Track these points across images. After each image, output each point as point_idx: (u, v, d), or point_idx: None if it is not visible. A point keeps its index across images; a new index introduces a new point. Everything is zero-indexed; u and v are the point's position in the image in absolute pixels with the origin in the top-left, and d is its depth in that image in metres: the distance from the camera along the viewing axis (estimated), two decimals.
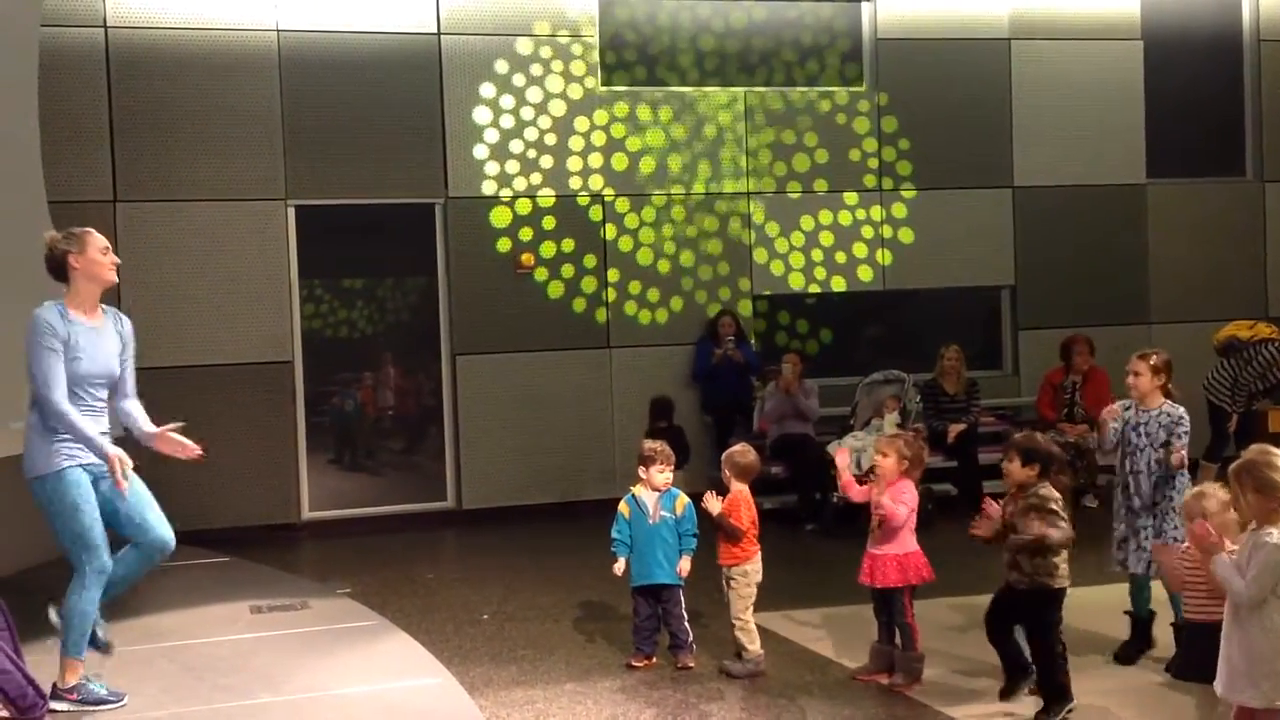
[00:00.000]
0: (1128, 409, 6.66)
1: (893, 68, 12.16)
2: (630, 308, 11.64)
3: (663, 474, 6.71)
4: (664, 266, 11.70)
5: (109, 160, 10.43)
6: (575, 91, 11.51)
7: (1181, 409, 6.59)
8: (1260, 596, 4.40)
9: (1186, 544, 5.14)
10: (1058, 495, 5.70)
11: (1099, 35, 12.50)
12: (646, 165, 11.66)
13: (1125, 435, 6.60)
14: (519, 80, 11.36)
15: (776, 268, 11.97)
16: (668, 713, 6.01)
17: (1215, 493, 5.03)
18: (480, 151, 11.26)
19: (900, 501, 6.20)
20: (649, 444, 6.84)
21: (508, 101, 11.33)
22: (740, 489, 6.61)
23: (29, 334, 5.78)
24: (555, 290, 11.43)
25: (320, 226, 10.99)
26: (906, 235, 12.18)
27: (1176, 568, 5.25)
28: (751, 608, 6.54)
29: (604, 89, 11.61)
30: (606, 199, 11.57)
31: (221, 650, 7.01)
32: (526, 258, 11.31)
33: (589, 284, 11.52)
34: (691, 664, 6.58)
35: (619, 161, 11.60)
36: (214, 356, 10.65)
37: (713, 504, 6.52)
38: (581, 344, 11.52)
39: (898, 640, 6.28)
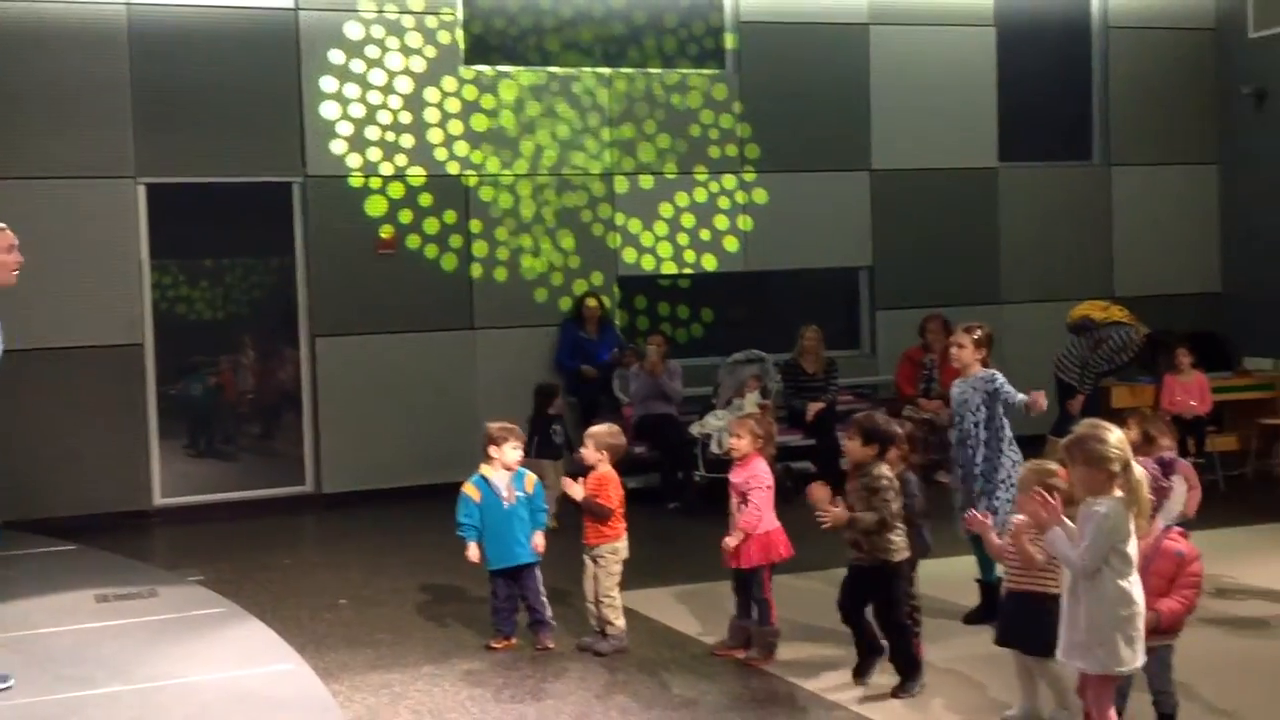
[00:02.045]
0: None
1: (754, 51, 12.25)
2: (493, 288, 11.57)
3: (515, 451, 6.69)
4: (527, 246, 11.65)
5: None
6: (438, 70, 11.37)
7: (992, 371, 6.92)
8: (1094, 566, 4.50)
9: (1017, 518, 5.19)
10: (889, 475, 5.73)
11: (954, 22, 12.75)
12: (509, 145, 11.59)
13: (955, 409, 6.94)
14: (379, 58, 11.19)
15: (638, 250, 11.99)
16: (525, 693, 6.01)
17: (1054, 467, 5.09)
18: (340, 129, 11.05)
19: (757, 481, 6.25)
20: (498, 424, 6.81)
21: (369, 79, 11.15)
22: (608, 469, 6.59)
23: None
24: (417, 270, 11.30)
25: (172, 205, 10.69)
26: (766, 217, 12.29)
27: (993, 539, 5.34)
28: (618, 585, 6.55)
29: (467, 67, 11.49)
30: (468, 179, 11.47)
31: (65, 640, 6.81)
32: (386, 231, 11.13)
33: (451, 263, 11.40)
34: (551, 644, 6.58)
35: (481, 141, 11.51)
36: (62, 339, 10.30)
37: (575, 490, 6.49)
38: (445, 325, 11.42)
39: (754, 615, 6.34)
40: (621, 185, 11.92)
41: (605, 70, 11.89)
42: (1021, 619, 5.18)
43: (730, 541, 6.26)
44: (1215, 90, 13.49)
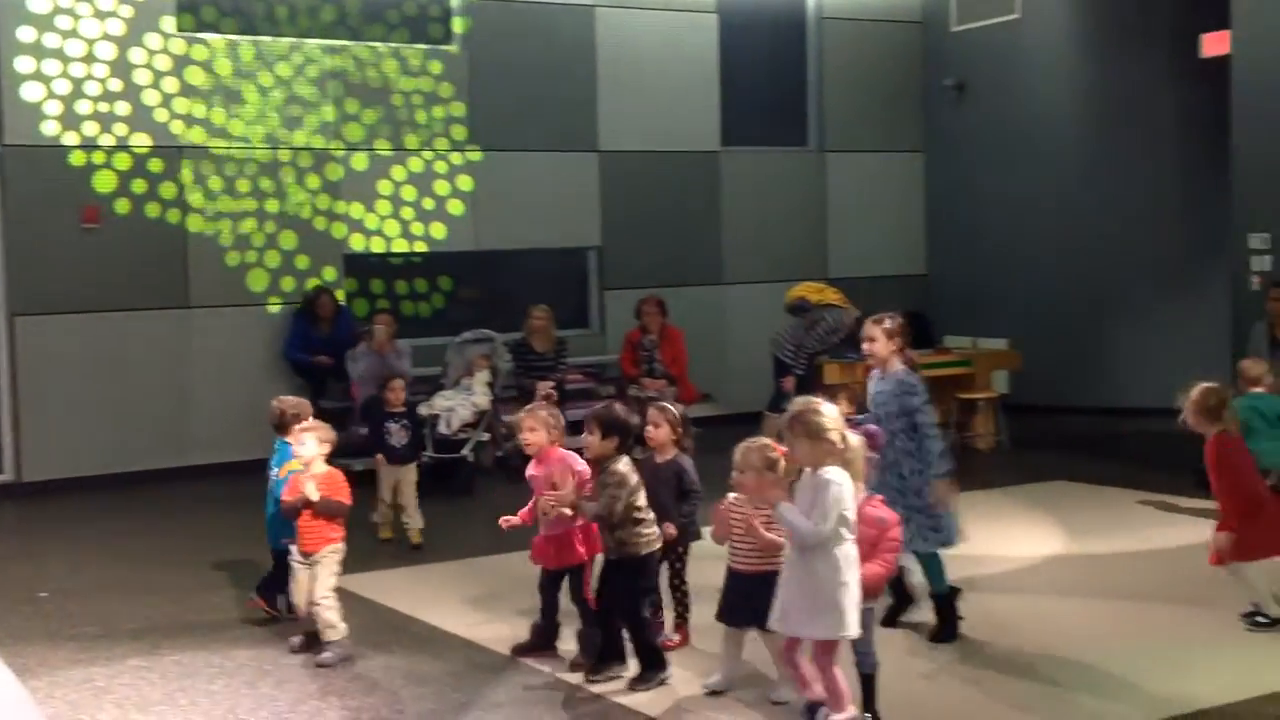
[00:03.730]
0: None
1: (482, 30, 12.19)
2: (212, 265, 11.14)
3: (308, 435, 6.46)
4: (248, 225, 11.27)
5: None
6: (151, 39, 10.85)
7: (913, 378, 6.22)
8: (830, 533, 4.66)
9: (734, 496, 5.29)
10: (623, 472, 5.53)
11: (677, 7, 13.00)
12: (228, 117, 11.17)
13: (874, 409, 6.30)
14: (88, 25, 10.59)
15: (362, 229, 11.77)
16: (242, 682, 5.82)
17: (768, 446, 5.16)
18: (42, 98, 10.43)
19: (574, 470, 5.92)
20: (289, 401, 6.67)
21: (75, 47, 10.55)
22: (327, 467, 6.22)
23: None
24: (130, 246, 10.77)
25: None
26: (495, 197, 12.26)
27: (724, 519, 5.34)
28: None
29: (183, 35, 11.01)
30: (185, 152, 11.01)
31: None
32: (92, 204, 10.58)
33: (168, 240, 10.93)
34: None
35: (199, 113, 11.06)
36: None
37: (311, 490, 6.06)
38: (159, 304, 10.94)
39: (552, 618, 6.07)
40: (347, 162, 11.67)
41: (328, 42, 11.60)
42: (757, 598, 5.19)
43: (554, 516, 5.84)
44: (921, 81, 14.23)
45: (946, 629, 6.11)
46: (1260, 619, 6.10)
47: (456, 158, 12.12)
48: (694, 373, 11.66)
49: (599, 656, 5.68)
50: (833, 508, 4.64)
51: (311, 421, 6.36)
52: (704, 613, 5.69)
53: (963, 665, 5.73)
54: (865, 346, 6.38)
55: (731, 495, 5.31)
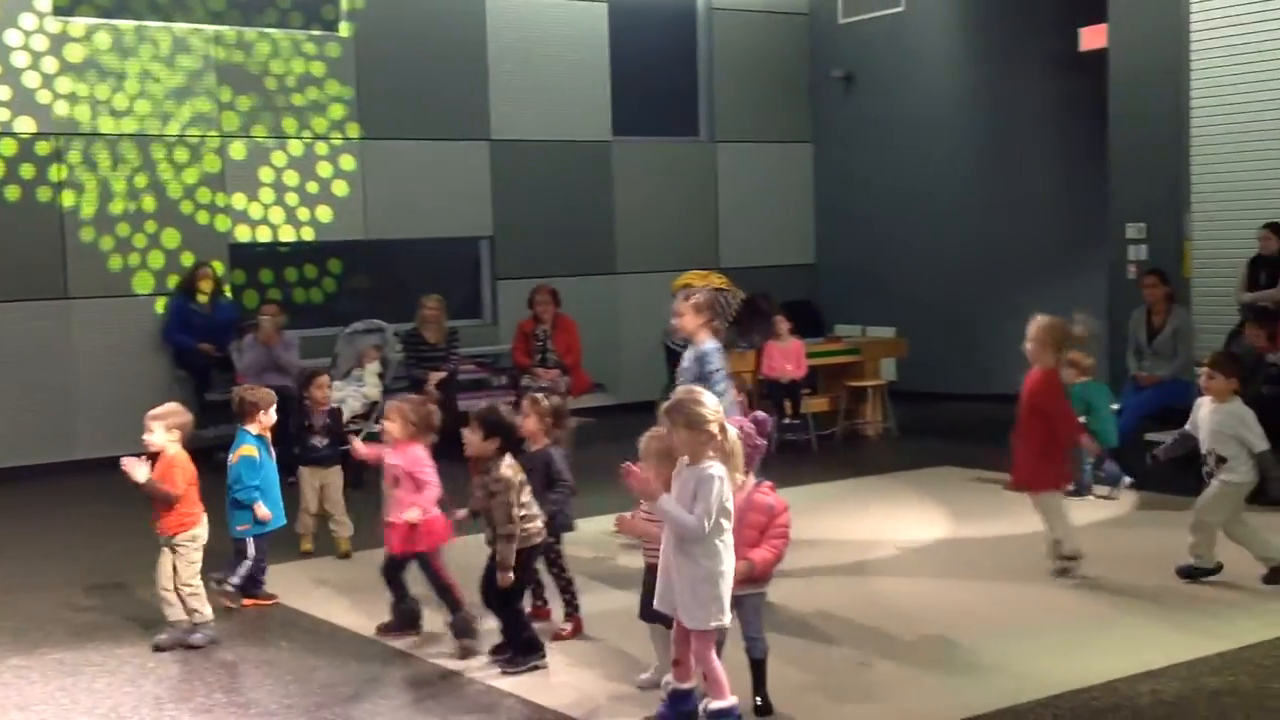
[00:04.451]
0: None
1: (371, 14, 12.04)
2: (92, 254, 10.88)
3: (272, 416, 6.66)
4: (131, 210, 11.03)
5: None
6: (27, 20, 10.55)
7: (709, 345, 6.50)
8: (709, 527, 4.67)
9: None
10: (507, 478, 5.54)
11: None
12: (108, 102, 10.91)
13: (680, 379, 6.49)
14: None
15: (248, 219, 11.59)
16: (124, 679, 5.70)
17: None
18: None
19: (419, 466, 6.00)
20: (250, 390, 6.78)
21: None
22: (179, 450, 6.11)
23: None
24: (4, 233, 10.46)
25: None
26: (385, 185, 12.15)
27: (636, 518, 5.27)
28: (199, 573, 6.16)
29: (59, 19, 10.71)
30: (62, 137, 10.72)
31: None
32: None
33: (44, 227, 10.64)
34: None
35: (79, 97, 10.79)
36: None
37: (138, 470, 5.91)
38: (35, 294, 10.65)
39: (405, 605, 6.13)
40: (231, 149, 11.46)
41: (212, 28, 11.38)
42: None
43: (410, 516, 5.91)
44: (809, 72, 14.39)
45: None
46: (1062, 560, 6.74)
47: (345, 145, 11.97)
48: (587, 362, 11.67)
49: (514, 649, 5.64)
50: (715, 505, 4.66)
51: (162, 408, 6.22)
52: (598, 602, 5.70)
53: (852, 648, 5.83)
54: (674, 321, 6.70)
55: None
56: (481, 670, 5.65)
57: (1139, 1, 10.95)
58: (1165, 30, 10.72)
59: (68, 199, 10.78)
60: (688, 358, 6.65)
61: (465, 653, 5.81)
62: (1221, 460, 6.55)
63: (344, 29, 12.02)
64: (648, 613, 5.23)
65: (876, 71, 13.83)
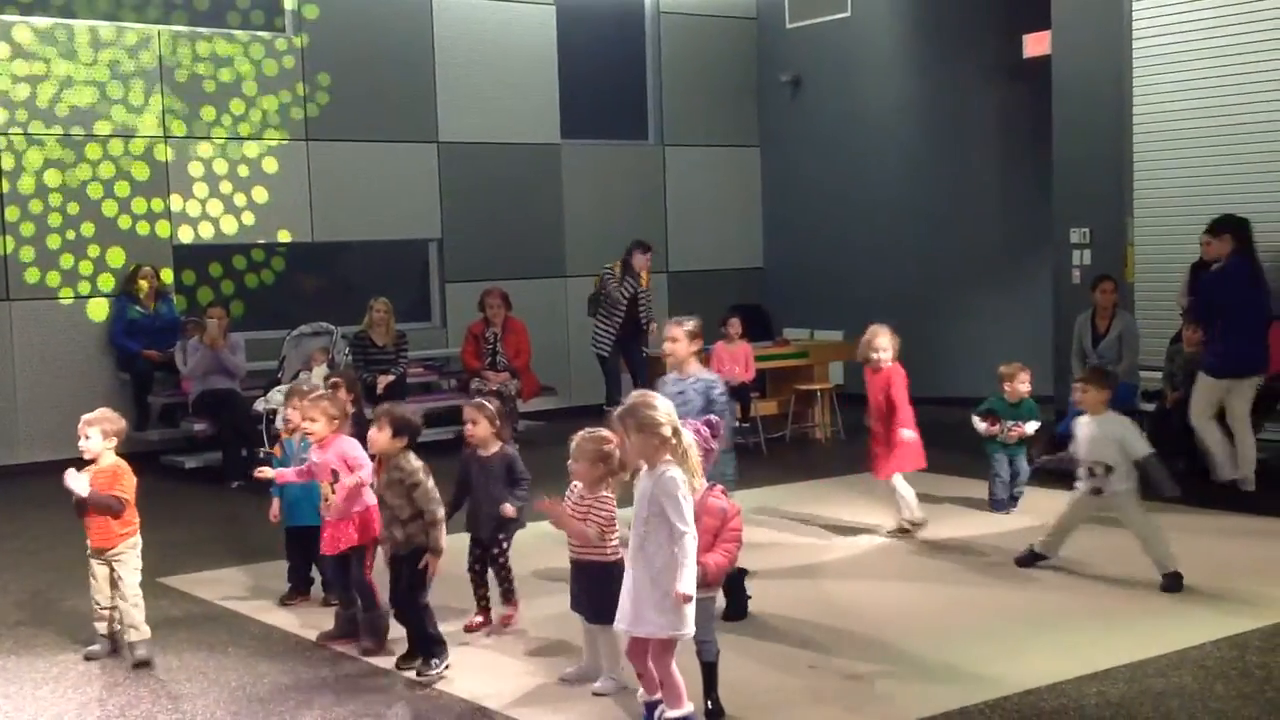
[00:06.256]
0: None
1: (321, 18, 11.97)
2: (31, 256, 10.73)
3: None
4: (73, 211, 10.89)
5: None
6: None
7: (714, 376, 6.50)
8: (693, 530, 4.67)
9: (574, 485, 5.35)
10: (416, 467, 5.60)
11: None
12: (52, 101, 10.76)
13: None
14: None
15: (190, 220, 11.48)
16: (69, 686, 5.63)
17: (609, 434, 5.23)
18: None
19: (351, 456, 6.00)
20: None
21: None
22: (119, 460, 5.98)
23: None
24: None
25: None
26: (334, 187, 12.07)
27: (564, 512, 5.31)
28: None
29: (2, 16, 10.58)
30: (6, 136, 10.56)
31: None
32: None
33: None
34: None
35: (20, 95, 10.63)
36: None
37: (79, 482, 5.79)
38: None
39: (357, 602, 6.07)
40: (179, 150, 11.35)
41: (159, 28, 11.26)
42: (583, 587, 5.32)
43: (349, 481, 5.91)
44: (757, 77, 14.45)
45: (736, 608, 6.25)
46: (907, 527, 7.79)
47: (292, 146, 11.88)
48: (535, 365, 11.65)
49: (423, 653, 5.64)
50: (686, 507, 4.66)
51: (96, 413, 6.01)
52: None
53: (801, 650, 5.85)
54: (666, 347, 6.54)
55: (575, 484, 5.36)
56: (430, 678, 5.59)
57: (1081, 9, 11.11)
58: (1108, 37, 10.88)
59: (8, 206, 10.61)
60: (686, 388, 6.38)
61: (366, 652, 5.87)
62: (1109, 469, 6.68)
63: (291, 31, 11.93)
64: (571, 603, 5.41)
65: (823, 76, 13.91)
